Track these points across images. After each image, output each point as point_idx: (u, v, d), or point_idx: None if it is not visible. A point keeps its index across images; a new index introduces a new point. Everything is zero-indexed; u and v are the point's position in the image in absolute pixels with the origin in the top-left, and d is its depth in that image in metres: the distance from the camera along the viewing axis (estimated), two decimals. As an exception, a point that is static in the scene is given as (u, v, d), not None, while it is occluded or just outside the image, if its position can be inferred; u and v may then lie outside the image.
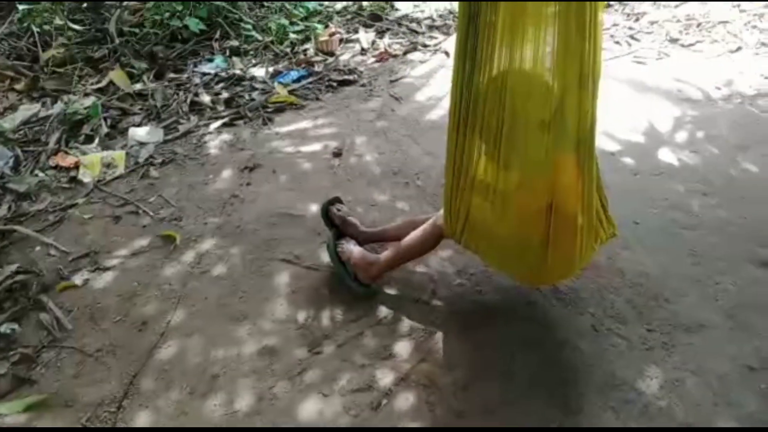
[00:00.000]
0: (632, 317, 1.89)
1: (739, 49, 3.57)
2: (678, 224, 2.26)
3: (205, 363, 1.82)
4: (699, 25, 3.86)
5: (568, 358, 1.78)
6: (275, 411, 1.68)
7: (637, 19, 4.03)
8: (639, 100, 3.11)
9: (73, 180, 2.69)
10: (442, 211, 1.81)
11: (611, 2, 4.28)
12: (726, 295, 1.95)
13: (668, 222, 2.28)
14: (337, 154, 2.80)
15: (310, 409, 1.67)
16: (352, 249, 2.04)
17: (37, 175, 2.68)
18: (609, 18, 4.07)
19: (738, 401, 1.64)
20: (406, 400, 1.68)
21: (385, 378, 1.74)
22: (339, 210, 2.19)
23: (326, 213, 2.19)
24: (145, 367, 1.81)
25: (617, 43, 3.75)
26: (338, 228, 2.16)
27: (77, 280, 2.14)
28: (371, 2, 4.31)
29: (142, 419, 1.67)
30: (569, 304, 1.95)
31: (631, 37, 3.80)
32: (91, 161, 2.75)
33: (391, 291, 2.04)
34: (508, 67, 1.48)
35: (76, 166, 2.74)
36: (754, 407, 1.62)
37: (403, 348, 1.83)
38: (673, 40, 3.72)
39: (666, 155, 2.68)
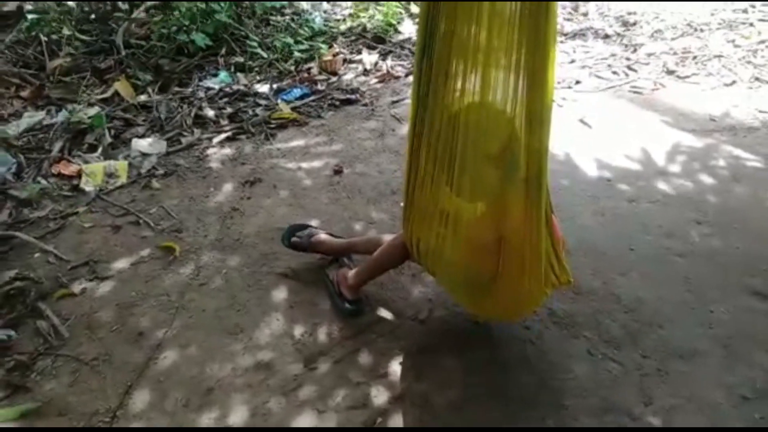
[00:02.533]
0: (627, 342, 1.91)
1: (733, 83, 3.65)
2: (672, 252, 2.29)
3: (201, 376, 1.82)
4: (695, 58, 3.96)
5: (563, 381, 1.79)
6: (269, 426, 1.67)
7: (634, 50, 4.12)
8: (635, 129, 3.17)
9: (75, 188, 2.70)
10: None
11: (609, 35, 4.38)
12: (719, 323, 1.98)
13: (663, 249, 2.31)
14: (338, 171, 2.83)
15: (304, 426, 1.67)
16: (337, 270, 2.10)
17: (39, 183, 2.68)
18: (607, 48, 4.17)
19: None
20: (400, 419, 1.68)
21: (380, 396, 1.74)
22: (300, 237, 2.21)
23: (291, 245, 2.21)
24: (141, 378, 1.81)
25: (615, 72, 3.83)
26: (309, 252, 2.20)
27: (75, 288, 2.14)
28: (375, 25, 4.39)
29: (136, 430, 1.67)
30: (565, 327, 1.96)
31: (629, 67, 3.88)
32: (94, 170, 2.76)
33: (388, 309, 2.05)
34: (463, 96, 1.47)
35: (79, 175, 2.75)
36: (747, 436, 1.64)
37: (398, 366, 1.84)
38: (670, 72, 3.80)
39: (661, 183, 2.72)
